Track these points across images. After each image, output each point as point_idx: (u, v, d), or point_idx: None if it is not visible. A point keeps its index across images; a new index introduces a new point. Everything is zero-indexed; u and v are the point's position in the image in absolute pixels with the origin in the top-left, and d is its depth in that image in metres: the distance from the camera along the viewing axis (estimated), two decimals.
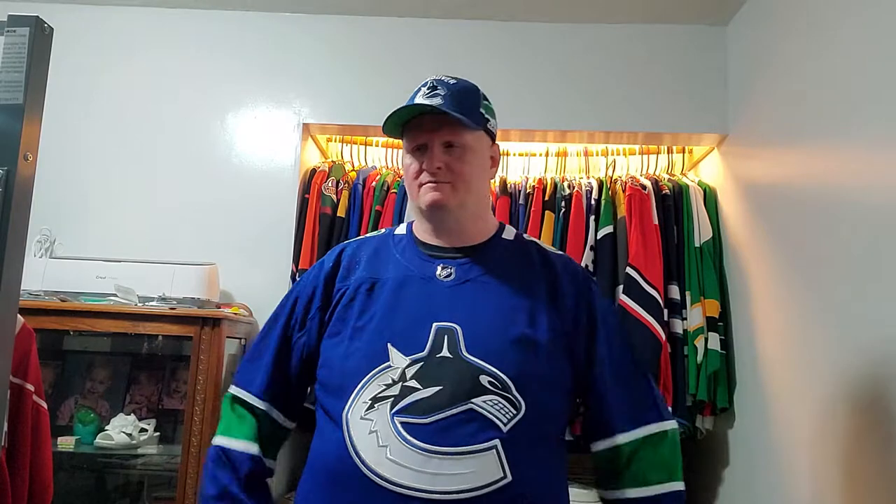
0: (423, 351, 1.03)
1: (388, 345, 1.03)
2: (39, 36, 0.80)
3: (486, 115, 1.17)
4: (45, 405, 1.52)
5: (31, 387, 1.46)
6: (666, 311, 2.17)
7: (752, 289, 2.06)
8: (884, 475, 1.37)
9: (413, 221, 1.23)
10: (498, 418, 0.99)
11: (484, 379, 1.00)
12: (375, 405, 1.00)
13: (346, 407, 1.02)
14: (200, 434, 1.85)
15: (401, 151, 2.57)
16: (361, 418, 1.00)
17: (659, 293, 2.14)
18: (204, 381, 1.88)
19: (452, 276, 1.11)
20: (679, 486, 1.08)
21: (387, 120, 1.12)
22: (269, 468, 1.15)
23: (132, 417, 2.04)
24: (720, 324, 2.18)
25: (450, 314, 1.05)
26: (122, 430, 1.98)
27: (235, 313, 2.09)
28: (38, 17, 0.80)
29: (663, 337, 2.12)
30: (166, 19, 2.43)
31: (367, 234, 1.26)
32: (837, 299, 1.58)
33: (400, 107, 1.11)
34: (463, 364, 1.01)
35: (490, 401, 0.99)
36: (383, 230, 1.26)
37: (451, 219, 1.14)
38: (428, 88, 1.12)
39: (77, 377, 2.21)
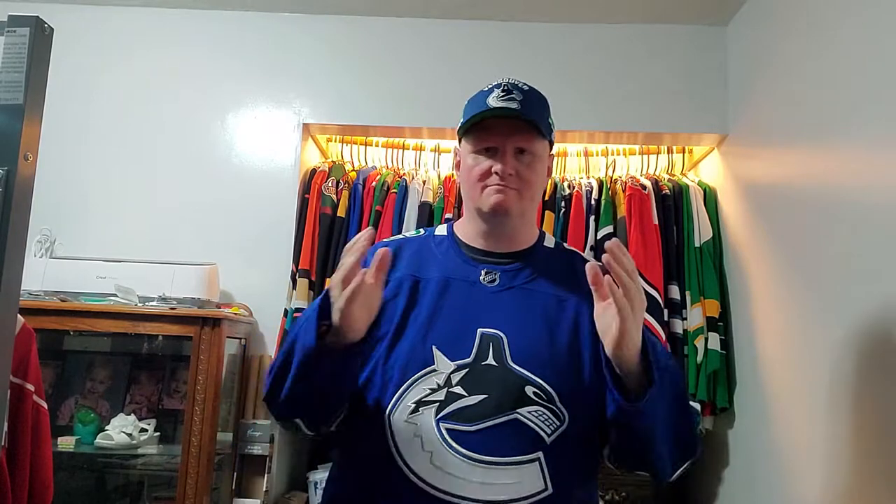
0: (468, 357, 1.01)
1: (434, 348, 1.02)
2: (39, 36, 0.80)
3: (552, 125, 1.17)
4: (45, 405, 1.51)
5: (31, 387, 1.45)
6: (666, 311, 2.18)
7: (752, 289, 2.06)
8: (883, 474, 1.37)
9: (454, 222, 1.21)
10: (542, 429, 0.99)
11: (529, 389, 1.00)
12: (420, 409, 0.99)
13: (389, 407, 1.00)
14: (200, 434, 1.85)
15: (401, 152, 2.60)
16: (405, 421, 0.99)
17: (659, 293, 2.14)
18: (204, 381, 1.88)
19: (497, 282, 1.10)
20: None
21: (467, 121, 1.10)
22: None
23: (132, 417, 2.04)
24: (720, 324, 2.18)
25: (494, 321, 1.04)
26: (122, 430, 1.98)
27: (235, 313, 2.09)
28: (38, 17, 0.80)
29: (663, 337, 2.12)
30: (166, 19, 2.43)
31: (406, 235, 1.24)
32: (837, 299, 1.58)
33: (486, 108, 1.08)
34: (508, 373, 1.00)
35: (535, 412, 0.99)
36: (423, 231, 1.24)
37: (510, 225, 1.12)
38: (503, 91, 1.09)
39: (77, 377, 2.21)
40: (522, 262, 1.13)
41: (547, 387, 1.00)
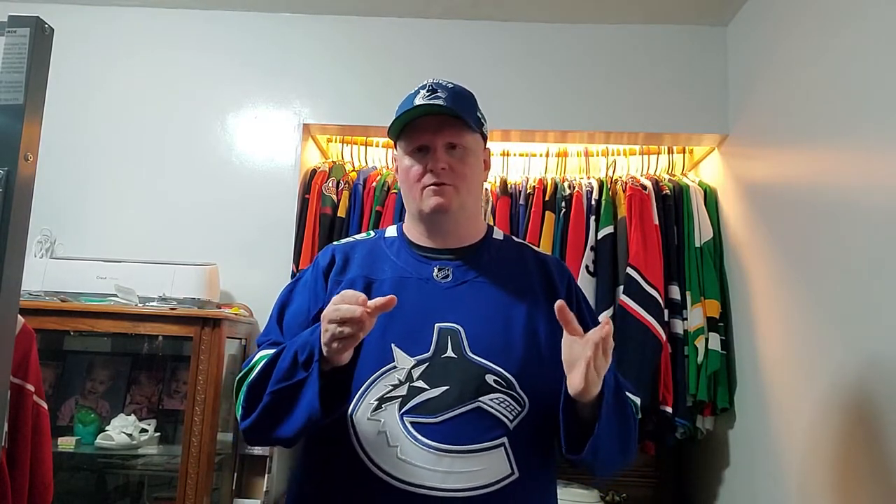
0: (427, 351, 1.03)
1: (392, 345, 1.04)
2: (40, 36, 0.80)
3: (482, 119, 1.19)
4: (45, 405, 1.51)
5: (31, 387, 1.45)
6: (666, 312, 2.17)
7: (752, 289, 2.06)
8: (883, 474, 1.37)
9: (402, 223, 1.23)
10: (505, 415, 1.01)
11: (489, 378, 1.02)
12: (383, 405, 1.00)
13: (351, 407, 1.02)
14: (200, 434, 1.85)
15: None
16: (368, 419, 1.00)
17: (659, 293, 2.14)
18: (204, 381, 1.88)
19: (450, 278, 1.12)
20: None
21: (394, 121, 1.12)
22: None
23: (132, 418, 2.04)
24: (720, 324, 2.18)
25: (450, 315, 1.06)
26: (122, 430, 1.98)
27: (236, 314, 2.09)
28: (38, 17, 0.80)
29: (664, 337, 2.12)
30: (166, 20, 2.43)
31: (357, 237, 1.27)
32: (837, 299, 1.58)
33: (408, 106, 1.10)
34: (468, 364, 1.03)
35: (496, 399, 1.01)
36: (373, 232, 1.27)
37: (451, 221, 1.15)
38: (427, 91, 1.13)
39: (77, 377, 2.21)
40: (474, 256, 1.16)
41: (506, 374, 1.03)
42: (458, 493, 0.95)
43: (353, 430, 1.00)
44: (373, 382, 1.02)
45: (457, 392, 1.00)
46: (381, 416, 1.00)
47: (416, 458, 0.97)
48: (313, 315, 1.12)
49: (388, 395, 1.01)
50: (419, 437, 0.98)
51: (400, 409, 1.00)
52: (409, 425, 0.98)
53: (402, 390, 1.01)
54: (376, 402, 1.01)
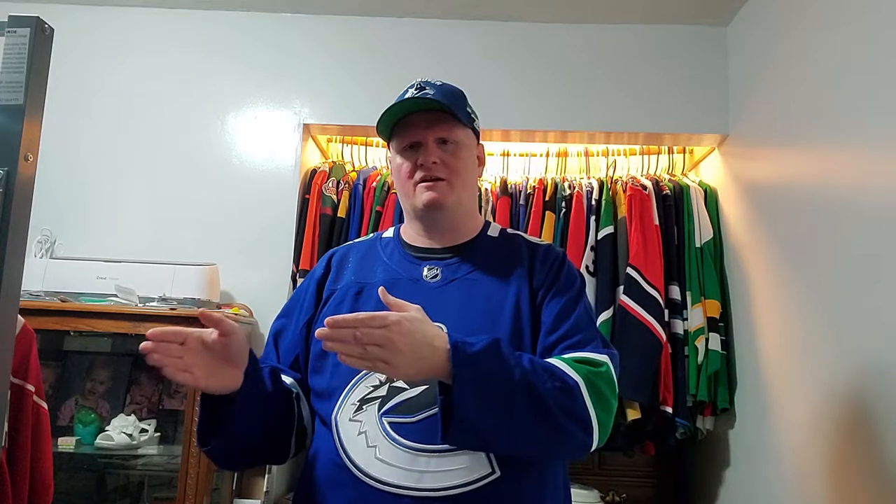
0: None
1: None
2: (40, 37, 0.80)
3: (473, 115, 1.19)
4: (45, 406, 1.51)
5: (31, 387, 1.45)
6: (666, 312, 2.17)
7: (752, 289, 2.06)
8: (881, 474, 1.37)
9: (401, 224, 1.23)
10: None
11: None
12: (364, 406, 1.01)
13: (335, 410, 1.03)
14: None
15: None
16: (350, 420, 1.01)
17: (659, 293, 2.14)
18: None
19: (439, 277, 1.12)
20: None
21: (382, 117, 1.12)
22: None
23: (132, 418, 2.04)
24: (721, 324, 2.18)
25: (436, 315, 1.03)
26: (122, 430, 1.98)
27: (236, 314, 2.09)
28: (38, 17, 0.80)
29: (664, 337, 2.12)
30: (167, 20, 2.43)
31: (357, 240, 1.28)
32: (838, 299, 1.58)
33: (397, 101, 1.11)
34: None
35: None
36: (372, 235, 1.27)
37: (447, 217, 1.15)
38: (416, 89, 1.13)
39: (77, 378, 2.21)
40: (465, 253, 1.15)
41: None
42: (434, 492, 0.94)
43: (337, 432, 1.01)
44: (355, 384, 1.03)
45: (436, 390, 0.98)
46: (361, 417, 1.00)
47: (393, 459, 0.96)
48: (301, 325, 1.15)
49: (368, 397, 1.01)
50: (396, 436, 0.97)
51: (379, 410, 1.00)
52: (387, 425, 0.98)
53: (383, 391, 1.01)
54: (357, 404, 1.01)
